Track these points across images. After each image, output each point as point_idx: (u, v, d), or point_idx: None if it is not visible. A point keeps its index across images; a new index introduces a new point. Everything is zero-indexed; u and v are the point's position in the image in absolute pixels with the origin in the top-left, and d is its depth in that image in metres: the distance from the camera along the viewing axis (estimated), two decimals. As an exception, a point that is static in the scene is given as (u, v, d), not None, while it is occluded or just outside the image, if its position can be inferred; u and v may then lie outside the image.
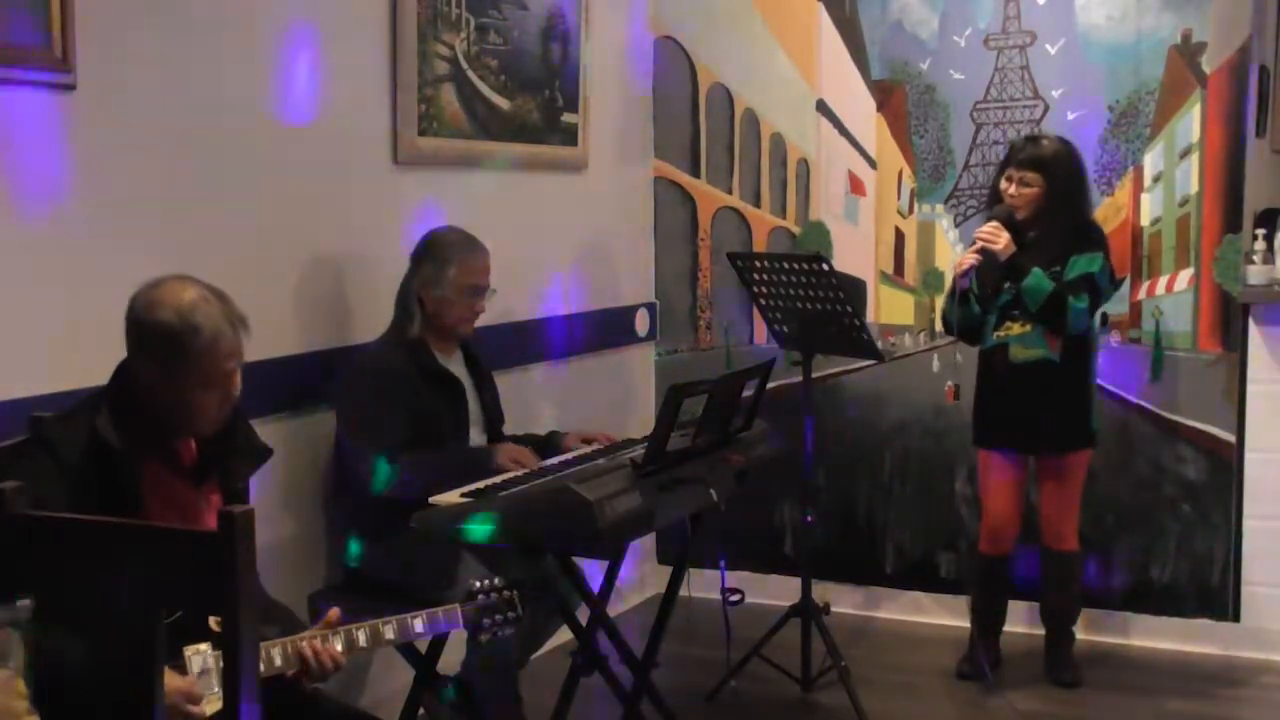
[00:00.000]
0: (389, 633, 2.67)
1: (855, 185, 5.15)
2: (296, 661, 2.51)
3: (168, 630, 1.93)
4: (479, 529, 3.12)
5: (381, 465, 3.50)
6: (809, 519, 4.31)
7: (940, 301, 5.00)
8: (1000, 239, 4.19)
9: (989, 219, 4.30)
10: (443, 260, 3.70)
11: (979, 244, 4.24)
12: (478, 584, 2.83)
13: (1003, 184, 4.28)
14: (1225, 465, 4.66)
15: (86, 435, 2.50)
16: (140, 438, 2.55)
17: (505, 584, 2.85)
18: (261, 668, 2.42)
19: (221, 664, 2.35)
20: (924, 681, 4.54)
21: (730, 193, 5.32)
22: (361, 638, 2.62)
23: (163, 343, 2.53)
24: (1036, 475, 4.45)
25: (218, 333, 2.54)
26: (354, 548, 3.60)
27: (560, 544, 3.26)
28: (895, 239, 5.12)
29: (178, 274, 2.62)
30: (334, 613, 2.62)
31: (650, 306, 5.38)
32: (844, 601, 5.06)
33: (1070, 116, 4.76)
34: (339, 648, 2.57)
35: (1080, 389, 4.31)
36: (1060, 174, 4.22)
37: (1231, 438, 4.65)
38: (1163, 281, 4.75)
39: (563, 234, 4.85)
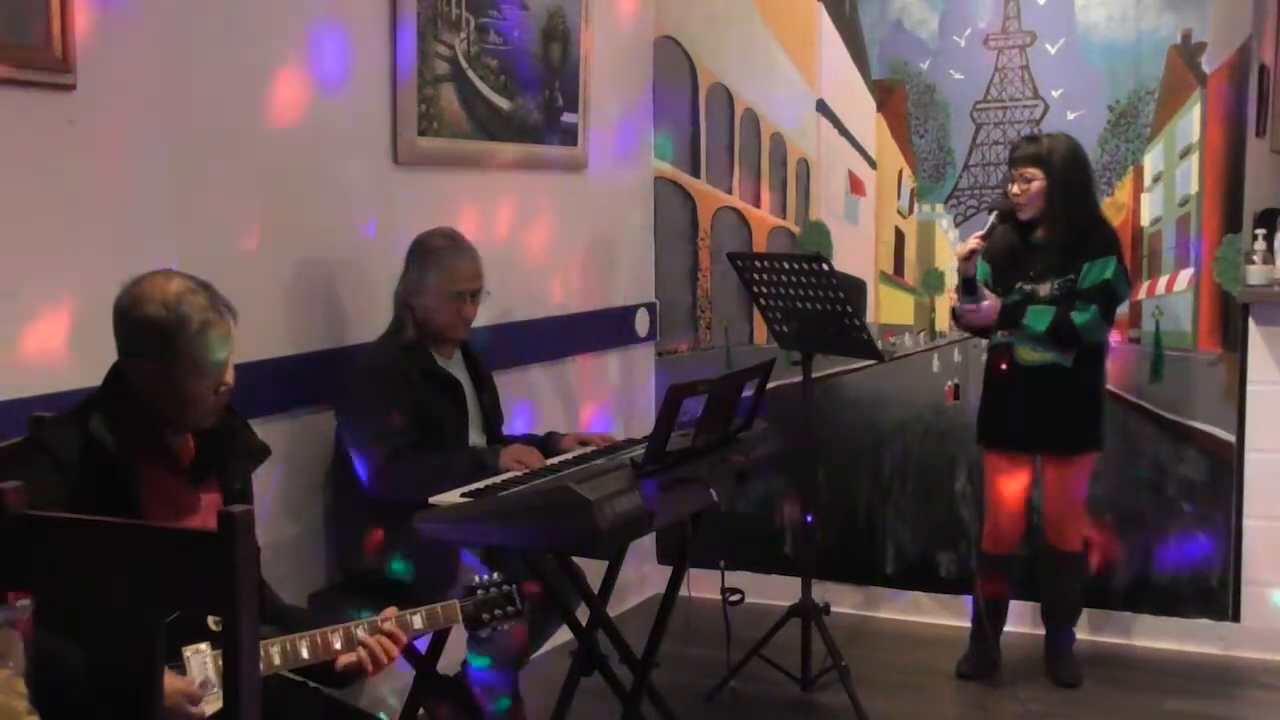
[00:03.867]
0: (388, 629, 2.67)
1: (855, 185, 5.15)
2: (355, 648, 2.55)
3: (166, 630, 1.93)
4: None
5: (383, 464, 3.50)
6: (809, 519, 4.31)
7: (941, 301, 5.02)
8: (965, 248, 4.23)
9: (990, 210, 4.32)
10: (424, 267, 3.68)
11: (970, 247, 4.25)
12: (477, 579, 2.83)
13: (1009, 187, 4.29)
14: (1225, 465, 4.66)
15: (82, 437, 2.50)
16: (136, 438, 2.55)
17: (504, 579, 2.85)
18: (279, 661, 2.44)
19: (220, 663, 2.36)
20: (924, 681, 4.54)
21: (730, 193, 5.32)
22: (361, 634, 2.62)
23: (152, 336, 2.53)
24: (1042, 474, 4.45)
25: (206, 321, 2.54)
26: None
27: (560, 544, 3.26)
28: (895, 239, 5.12)
29: (160, 269, 2.62)
30: (390, 610, 2.67)
31: (650, 306, 5.38)
32: (844, 601, 5.06)
33: (1070, 116, 4.76)
34: (338, 645, 2.58)
35: (1091, 391, 4.32)
36: (1059, 167, 4.22)
37: (1231, 438, 4.65)
38: (1163, 281, 4.75)
39: (563, 234, 4.84)
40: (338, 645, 2.58)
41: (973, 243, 4.26)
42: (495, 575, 2.86)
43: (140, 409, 2.56)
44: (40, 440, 2.48)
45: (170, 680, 2.23)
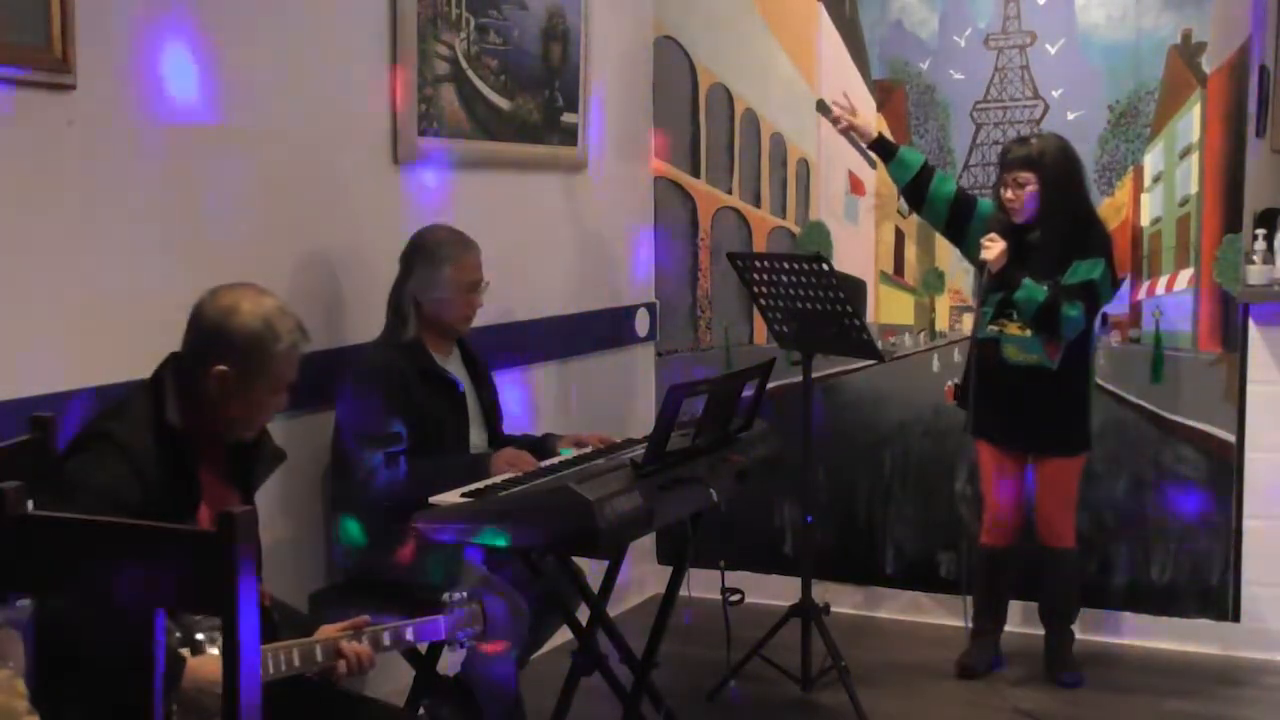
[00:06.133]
0: (386, 639, 2.69)
1: (855, 185, 5.15)
2: (333, 657, 2.55)
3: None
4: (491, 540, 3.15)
5: (380, 467, 3.50)
6: (809, 519, 4.31)
7: (941, 301, 5.02)
8: (994, 249, 4.19)
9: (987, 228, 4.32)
10: (438, 261, 3.68)
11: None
12: (447, 597, 2.82)
13: (1002, 192, 4.27)
14: (1225, 465, 4.66)
15: (154, 424, 2.55)
16: (200, 433, 2.63)
17: (470, 596, 2.84)
18: (273, 670, 2.45)
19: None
20: (924, 681, 4.54)
21: (730, 193, 5.32)
22: (343, 644, 2.64)
23: (246, 348, 2.60)
24: (1033, 473, 4.44)
25: (295, 343, 2.66)
26: (352, 529, 3.57)
27: (560, 544, 3.26)
28: (895, 239, 5.12)
29: (246, 282, 2.71)
30: (363, 619, 2.66)
31: (650, 306, 5.38)
32: (844, 601, 5.06)
33: (1070, 116, 4.76)
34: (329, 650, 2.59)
35: (1077, 394, 4.31)
36: (1051, 167, 4.20)
37: (1231, 438, 4.65)
38: (1163, 281, 4.75)
39: (563, 234, 4.84)
40: (321, 656, 2.59)
41: (999, 245, 4.22)
42: (464, 594, 2.84)
43: (206, 410, 2.62)
44: (105, 432, 2.53)
45: (204, 664, 2.31)
